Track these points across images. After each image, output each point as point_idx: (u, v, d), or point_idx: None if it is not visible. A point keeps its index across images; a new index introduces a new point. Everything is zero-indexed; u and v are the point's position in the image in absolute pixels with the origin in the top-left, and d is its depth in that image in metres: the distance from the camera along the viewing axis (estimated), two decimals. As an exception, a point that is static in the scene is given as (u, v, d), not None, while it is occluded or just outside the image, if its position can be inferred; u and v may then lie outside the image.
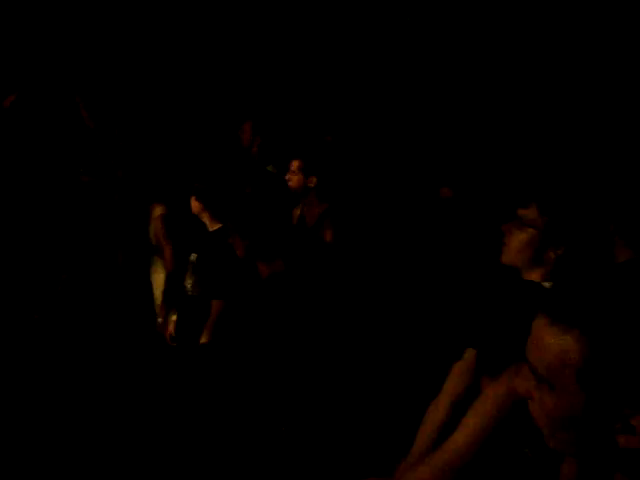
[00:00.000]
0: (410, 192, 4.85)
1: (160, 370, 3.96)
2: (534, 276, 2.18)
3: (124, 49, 6.47)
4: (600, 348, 1.16)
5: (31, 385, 4.02)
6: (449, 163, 5.04)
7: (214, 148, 6.05)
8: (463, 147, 5.49)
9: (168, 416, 3.37)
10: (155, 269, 4.82)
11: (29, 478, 3.15)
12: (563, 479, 1.43)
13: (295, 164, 4.19)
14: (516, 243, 2.23)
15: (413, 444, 2.23)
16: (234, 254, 3.77)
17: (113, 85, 5.92)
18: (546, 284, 2.16)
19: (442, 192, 4.69)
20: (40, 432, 3.50)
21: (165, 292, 4.53)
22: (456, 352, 2.29)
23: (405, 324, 3.67)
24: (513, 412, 1.71)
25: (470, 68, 6.51)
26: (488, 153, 5.46)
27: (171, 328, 4.24)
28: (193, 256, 4.21)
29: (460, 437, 1.76)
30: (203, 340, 3.82)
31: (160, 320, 4.43)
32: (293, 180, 4.18)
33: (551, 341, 1.20)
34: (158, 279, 4.74)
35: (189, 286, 4.19)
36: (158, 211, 4.69)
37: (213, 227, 4.18)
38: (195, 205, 4.19)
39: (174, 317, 4.27)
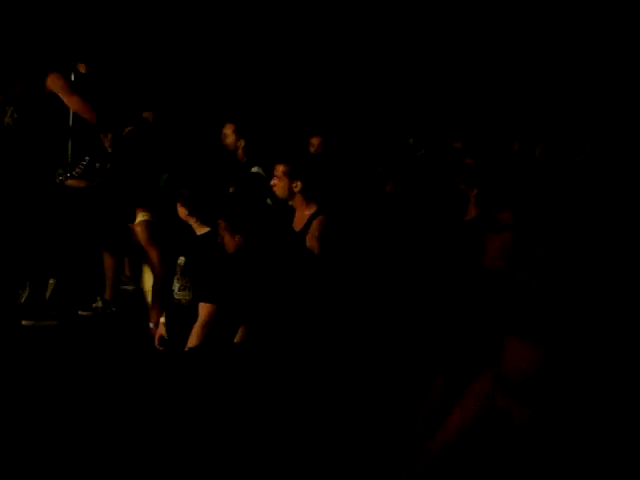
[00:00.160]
0: (392, 195, 4.95)
1: (151, 373, 4.01)
2: (518, 276, 2.24)
3: (109, 54, 6.50)
4: (567, 360, 1.28)
5: (31, 386, 4.07)
6: (429, 169, 5.15)
7: (199, 151, 6.11)
8: (441, 154, 5.60)
9: (160, 419, 3.42)
10: (144, 273, 4.88)
11: (29, 478, 3.19)
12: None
13: (280, 169, 4.25)
14: (495, 247, 2.30)
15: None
16: (222, 257, 3.83)
17: (101, 88, 5.94)
18: (530, 283, 2.23)
19: (422, 199, 4.81)
20: (39, 433, 3.54)
21: (154, 296, 4.59)
22: (439, 357, 2.37)
23: (389, 325, 3.75)
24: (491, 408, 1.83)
25: (444, 78, 6.62)
26: (465, 158, 5.57)
27: (161, 331, 4.29)
28: (181, 260, 4.27)
29: (449, 427, 1.96)
30: (192, 343, 3.86)
31: (151, 325, 4.48)
32: (278, 185, 4.24)
33: (523, 354, 1.32)
34: (147, 283, 4.81)
35: (177, 289, 4.25)
36: (141, 217, 4.76)
37: (201, 231, 4.24)
38: (181, 211, 4.25)
39: (163, 320, 4.32)
